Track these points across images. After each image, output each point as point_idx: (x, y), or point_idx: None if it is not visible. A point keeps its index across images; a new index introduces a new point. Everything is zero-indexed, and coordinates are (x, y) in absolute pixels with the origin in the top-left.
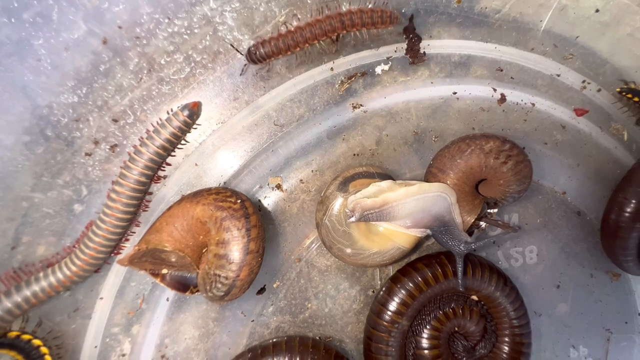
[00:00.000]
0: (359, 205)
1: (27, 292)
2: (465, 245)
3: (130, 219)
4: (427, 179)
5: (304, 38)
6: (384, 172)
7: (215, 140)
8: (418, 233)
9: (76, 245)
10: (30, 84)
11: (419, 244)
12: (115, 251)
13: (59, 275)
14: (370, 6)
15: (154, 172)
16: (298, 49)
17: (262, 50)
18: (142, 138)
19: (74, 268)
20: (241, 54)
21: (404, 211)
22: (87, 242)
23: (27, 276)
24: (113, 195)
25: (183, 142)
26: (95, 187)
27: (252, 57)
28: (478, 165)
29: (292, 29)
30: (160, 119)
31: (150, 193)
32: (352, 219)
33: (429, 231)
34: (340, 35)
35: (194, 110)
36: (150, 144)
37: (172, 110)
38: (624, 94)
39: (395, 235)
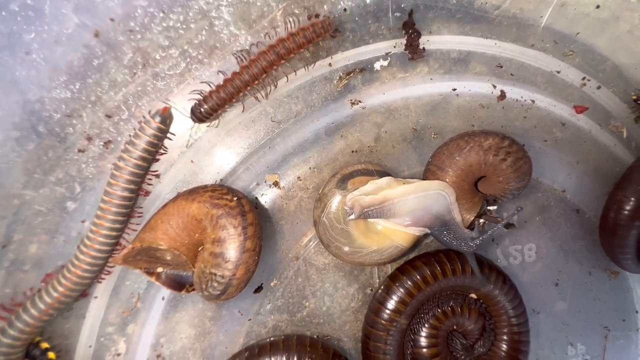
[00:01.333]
0: (358, 203)
1: (19, 324)
2: (472, 241)
3: (117, 236)
4: (425, 176)
5: (244, 82)
6: (382, 170)
7: (212, 136)
8: (417, 232)
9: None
10: (21, 78)
11: (417, 242)
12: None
13: (47, 299)
14: (298, 26)
15: (138, 185)
16: (241, 94)
17: (206, 107)
18: (120, 153)
19: (60, 289)
20: (185, 115)
21: (404, 209)
22: (73, 261)
23: (17, 307)
24: (99, 213)
25: (162, 150)
26: (88, 184)
27: (198, 115)
28: (477, 163)
29: (229, 76)
30: (135, 129)
31: (140, 211)
32: (352, 216)
33: (427, 230)
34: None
35: (166, 115)
36: (128, 157)
37: (144, 118)
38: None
39: (394, 234)
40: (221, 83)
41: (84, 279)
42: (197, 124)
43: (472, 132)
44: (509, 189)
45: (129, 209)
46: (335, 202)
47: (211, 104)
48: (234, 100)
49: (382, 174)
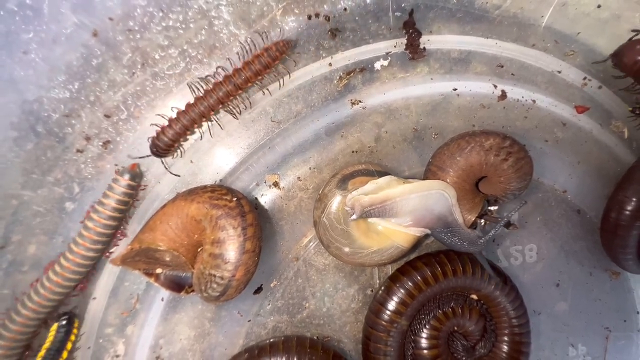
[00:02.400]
0: (358, 203)
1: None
2: (478, 240)
3: (73, 286)
4: (426, 177)
5: (199, 113)
6: (383, 170)
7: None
8: (418, 232)
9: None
10: (19, 78)
11: (418, 243)
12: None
13: (12, 326)
14: (253, 53)
15: (105, 245)
16: (196, 125)
17: (165, 139)
18: (88, 212)
19: (6, 334)
20: (148, 156)
21: (406, 208)
22: (30, 296)
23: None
24: (57, 269)
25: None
26: (87, 184)
27: (159, 150)
28: (478, 163)
29: (183, 108)
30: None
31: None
32: (353, 216)
33: (428, 231)
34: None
35: (135, 172)
36: (97, 217)
37: (113, 178)
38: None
39: (395, 235)
40: (174, 117)
41: (32, 320)
42: (159, 157)
43: (473, 132)
44: (510, 189)
45: (88, 269)
46: (335, 202)
47: (168, 139)
48: (188, 132)
49: (383, 174)
